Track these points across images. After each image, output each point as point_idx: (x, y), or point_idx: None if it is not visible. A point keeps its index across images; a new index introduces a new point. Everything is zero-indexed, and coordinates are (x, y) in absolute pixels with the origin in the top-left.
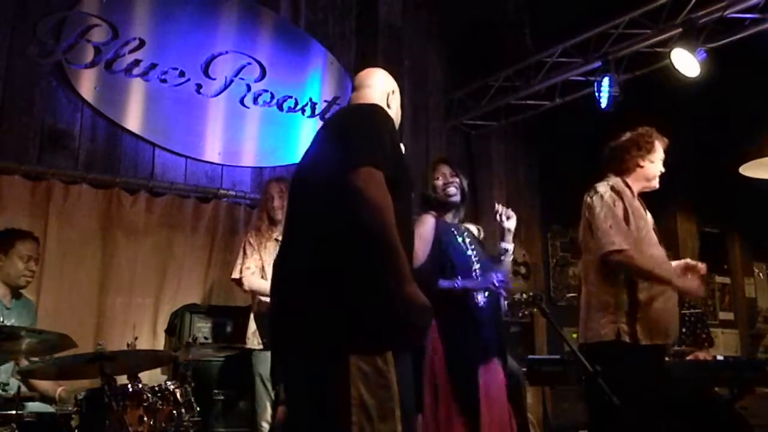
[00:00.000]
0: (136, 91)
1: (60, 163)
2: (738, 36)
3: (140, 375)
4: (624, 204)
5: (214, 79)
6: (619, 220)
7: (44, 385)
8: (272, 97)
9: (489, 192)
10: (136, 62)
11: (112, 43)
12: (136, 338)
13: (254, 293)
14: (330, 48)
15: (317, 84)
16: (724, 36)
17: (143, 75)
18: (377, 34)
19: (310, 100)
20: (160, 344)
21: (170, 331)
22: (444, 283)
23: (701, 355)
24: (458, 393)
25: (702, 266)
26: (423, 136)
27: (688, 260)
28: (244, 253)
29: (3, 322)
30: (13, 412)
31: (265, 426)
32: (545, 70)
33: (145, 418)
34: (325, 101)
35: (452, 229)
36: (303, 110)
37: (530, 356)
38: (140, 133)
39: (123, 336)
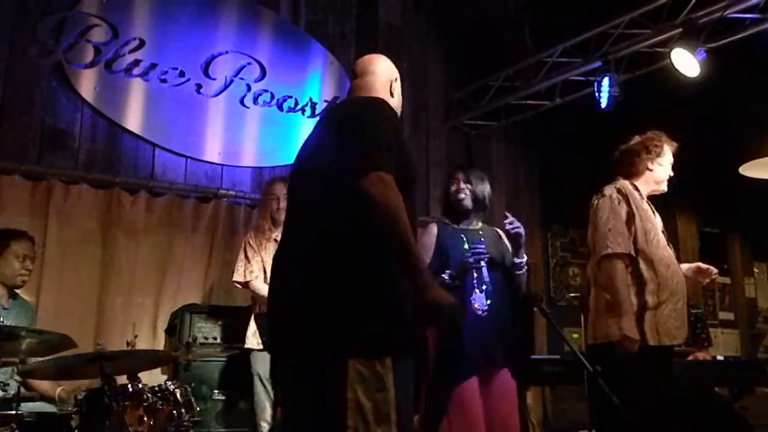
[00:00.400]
0: (136, 91)
1: (60, 163)
2: (738, 36)
3: (140, 375)
4: (630, 206)
5: (214, 79)
6: (620, 223)
7: (44, 385)
8: (272, 97)
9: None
10: (136, 62)
11: (112, 43)
12: (135, 336)
13: (261, 298)
14: (330, 48)
15: (317, 84)
16: (724, 36)
17: (143, 75)
18: (377, 34)
19: (310, 100)
20: (160, 344)
21: (170, 331)
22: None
23: (701, 355)
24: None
25: (713, 270)
26: (423, 136)
27: (701, 264)
28: (246, 255)
29: (3, 321)
30: (13, 412)
31: (265, 426)
32: (545, 70)
33: (145, 418)
34: (325, 101)
35: (461, 235)
36: (303, 110)
37: (530, 356)
38: (140, 133)
39: (123, 336)
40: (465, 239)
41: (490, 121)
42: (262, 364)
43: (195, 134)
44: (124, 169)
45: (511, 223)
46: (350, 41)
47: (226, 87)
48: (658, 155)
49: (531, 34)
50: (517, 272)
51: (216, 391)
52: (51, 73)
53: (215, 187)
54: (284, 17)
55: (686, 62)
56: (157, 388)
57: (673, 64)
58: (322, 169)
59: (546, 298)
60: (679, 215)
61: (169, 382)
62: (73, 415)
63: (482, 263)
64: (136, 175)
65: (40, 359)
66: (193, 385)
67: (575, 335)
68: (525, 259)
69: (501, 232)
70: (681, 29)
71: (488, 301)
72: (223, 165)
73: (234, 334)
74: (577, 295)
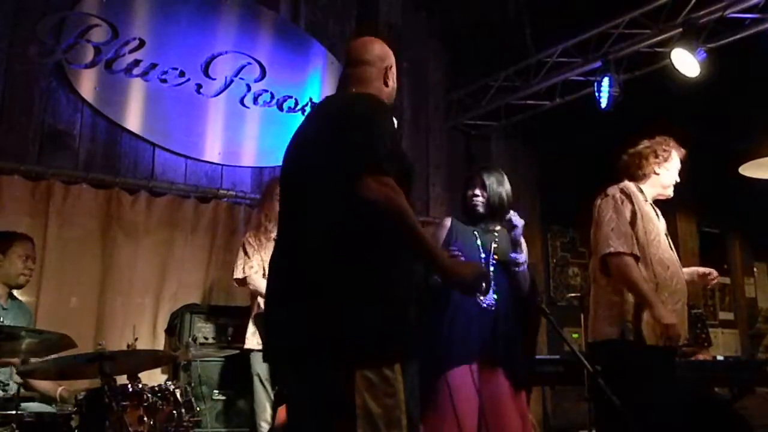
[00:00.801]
0: (136, 91)
1: (60, 163)
2: (738, 36)
3: (140, 375)
4: (633, 206)
5: (214, 79)
6: (624, 222)
7: (44, 385)
8: (272, 97)
9: None
10: (136, 62)
11: (112, 43)
12: (136, 338)
13: (258, 294)
14: (330, 48)
15: (317, 84)
16: (724, 36)
17: (143, 75)
18: (377, 34)
19: (310, 100)
20: (160, 344)
21: (170, 331)
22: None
23: (701, 355)
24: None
25: (714, 273)
26: (423, 136)
27: (699, 269)
28: (246, 253)
29: (2, 321)
30: (13, 412)
31: (265, 426)
32: (545, 70)
33: (145, 418)
34: None
35: (474, 231)
36: (303, 110)
37: (531, 359)
38: (140, 133)
39: (123, 336)
40: (478, 236)
41: (490, 121)
42: (262, 364)
43: (195, 134)
44: (124, 169)
45: (509, 220)
46: (350, 41)
47: (226, 87)
48: (666, 160)
49: (531, 34)
50: (513, 268)
51: (216, 391)
52: (51, 73)
53: (215, 187)
54: (284, 17)
55: (686, 62)
56: (157, 388)
57: (673, 64)
58: (317, 170)
59: (546, 298)
60: (679, 215)
61: (169, 382)
62: (73, 415)
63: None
64: (136, 175)
65: (40, 359)
66: (193, 385)
67: (575, 335)
68: (523, 256)
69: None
70: (681, 29)
71: (495, 297)
72: (223, 165)
73: (234, 334)
74: (577, 295)
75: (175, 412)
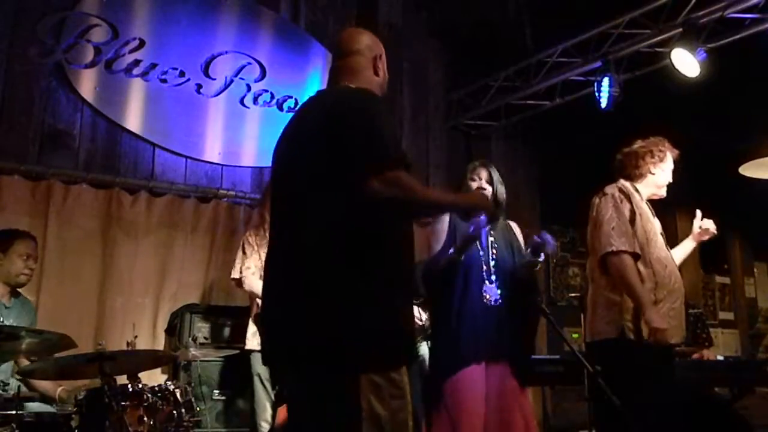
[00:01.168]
0: (136, 91)
1: (60, 163)
2: (738, 36)
3: (140, 375)
4: (632, 206)
5: (214, 79)
6: (624, 221)
7: (44, 385)
8: (272, 97)
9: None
10: (136, 62)
11: (112, 43)
12: (136, 338)
13: (254, 295)
14: (330, 48)
15: (317, 84)
16: (724, 36)
17: (143, 75)
18: (377, 34)
19: None
20: (160, 344)
21: (170, 331)
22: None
23: (706, 354)
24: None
25: (710, 225)
26: (423, 136)
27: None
28: (244, 252)
29: (3, 321)
30: (13, 412)
31: (265, 426)
32: (545, 70)
33: (145, 418)
34: None
35: (471, 226)
36: None
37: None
38: (140, 133)
39: (123, 336)
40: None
41: (490, 121)
42: (262, 364)
43: (195, 134)
44: (124, 169)
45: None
46: None
47: (226, 87)
48: (661, 160)
49: (531, 34)
50: (521, 267)
51: (216, 391)
52: (51, 73)
53: (215, 187)
54: (284, 17)
55: (686, 62)
56: (157, 388)
57: (673, 64)
58: (315, 169)
59: (546, 298)
60: (679, 215)
61: (169, 382)
62: (73, 415)
63: (482, 231)
64: (136, 175)
65: (41, 359)
66: (193, 385)
67: (575, 335)
68: (539, 259)
69: (513, 224)
70: (681, 29)
71: (499, 291)
72: (223, 165)
73: (234, 334)
74: (577, 295)
75: (175, 412)
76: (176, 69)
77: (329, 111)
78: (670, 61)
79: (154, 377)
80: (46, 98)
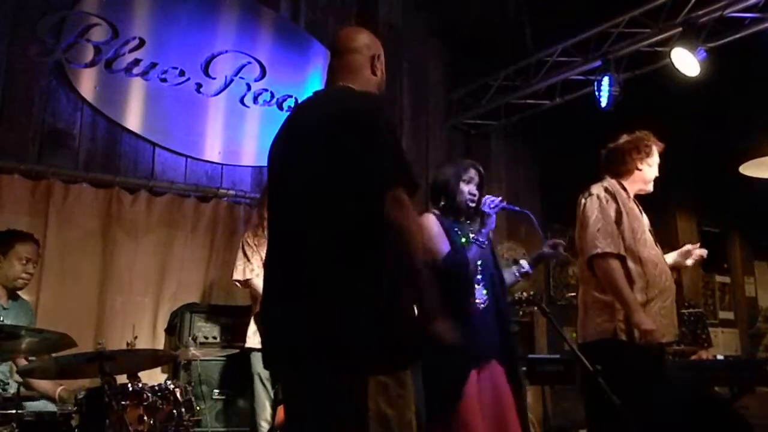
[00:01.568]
0: (136, 90)
1: (60, 162)
2: (738, 36)
3: (140, 374)
4: (618, 205)
5: (214, 79)
6: (610, 222)
7: (44, 384)
8: (272, 96)
9: (488, 191)
10: (136, 61)
11: (112, 43)
12: (135, 337)
13: (259, 297)
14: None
15: (317, 83)
16: (724, 36)
17: (143, 74)
18: (377, 34)
19: None
20: (160, 343)
21: (170, 331)
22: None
23: (704, 354)
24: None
25: (692, 247)
26: (423, 136)
27: (684, 248)
28: (245, 254)
29: (2, 321)
30: (13, 411)
31: (265, 425)
32: (545, 70)
33: (145, 418)
34: None
35: (455, 228)
36: None
37: (530, 356)
38: (140, 133)
39: (123, 335)
40: (459, 232)
41: (490, 121)
42: (262, 364)
43: (195, 133)
44: (124, 169)
45: (554, 246)
46: None
47: (226, 86)
48: (648, 155)
49: (531, 34)
50: (515, 274)
51: (216, 391)
52: (51, 73)
53: (215, 186)
54: (284, 16)
55: (686, 61)
56: (157, 388)
57: (673, 64)
58: (317, 171)
59: (546, 298)
60: (679, 214)
61: (169, 382)
62: (73, 415)
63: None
64: (136, 174)
65: (41, 359)
66: (192, 384)
67: (575, 334)
68: (527, 268)
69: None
70: (681, 28)
71: (485, 292)
72: (223, 164)
73: (234, 334)
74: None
75: (175, 411)
76: (176, 68)
77: (332, 114)
78: (670, 60)
79: (154, 377)
80: (46, 98)
